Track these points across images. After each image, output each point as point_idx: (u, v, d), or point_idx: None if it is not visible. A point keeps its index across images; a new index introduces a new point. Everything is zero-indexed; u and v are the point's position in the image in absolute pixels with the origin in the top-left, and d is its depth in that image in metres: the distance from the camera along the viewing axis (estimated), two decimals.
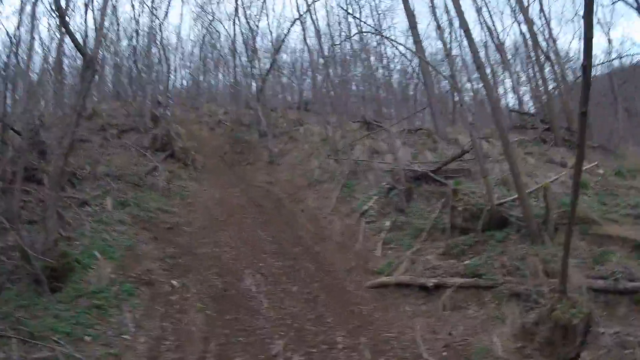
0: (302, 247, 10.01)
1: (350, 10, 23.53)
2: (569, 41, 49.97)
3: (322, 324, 6.93)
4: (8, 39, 12.16)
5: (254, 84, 24.99)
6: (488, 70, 22.48)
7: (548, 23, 18.67)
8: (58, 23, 11.94)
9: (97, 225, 9.33)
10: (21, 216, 8.24)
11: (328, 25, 26.57)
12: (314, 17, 20.69)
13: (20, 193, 8.25)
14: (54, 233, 7.65)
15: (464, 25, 8.78)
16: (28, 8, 12.10)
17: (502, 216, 8.12)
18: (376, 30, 20.21)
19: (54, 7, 11.36)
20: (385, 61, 26.45)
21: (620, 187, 9.52)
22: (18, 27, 12.00)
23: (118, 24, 24.27)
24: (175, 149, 15.87)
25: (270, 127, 19.42)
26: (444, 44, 16.91)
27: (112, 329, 6.14)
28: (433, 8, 16.82)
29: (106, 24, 21.14)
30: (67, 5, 13.45)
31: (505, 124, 8.83)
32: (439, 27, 16.00)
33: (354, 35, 22.01)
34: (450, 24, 20.69)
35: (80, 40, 16.13)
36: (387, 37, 19.94)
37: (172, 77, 28.30)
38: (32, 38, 11.64)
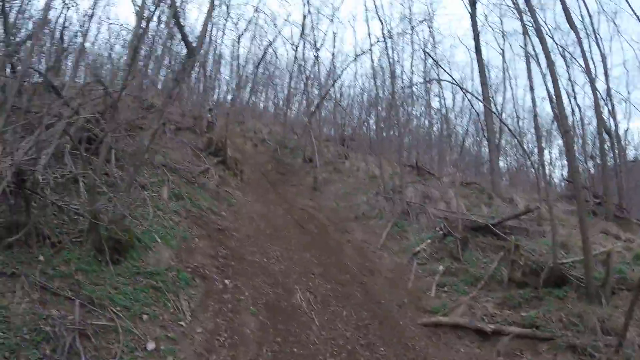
0: (350, 275, 10.06)
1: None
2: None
3: (374, 351, 7.13)
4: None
5: (305, 111, 25.44)
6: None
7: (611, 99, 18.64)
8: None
9: (155, 211, 9.46)
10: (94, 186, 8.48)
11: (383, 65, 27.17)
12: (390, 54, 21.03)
13: (103, 161, 8.52)
14: (124, 207, 7.81)
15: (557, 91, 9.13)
16: None
17: (562, 275, 8.36)
18: (455, 81, 20.43)
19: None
20: (444, 111, 26.68)
21: None
22: None
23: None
24: (227, 157, 16.19)
25: (316, 155, 19.76)
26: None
27: (169, 313, 6.31)
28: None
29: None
30: None
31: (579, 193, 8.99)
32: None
33: (429, 80, 22.20)
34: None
35: None
36: (465, 90, 20.24)
37: (222, 88, 28.80)
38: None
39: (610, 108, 18.38)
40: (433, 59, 20.98)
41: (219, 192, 13.45)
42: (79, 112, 10.08)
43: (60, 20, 17.17)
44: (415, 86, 22.92)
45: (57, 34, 17.79)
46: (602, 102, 17.75)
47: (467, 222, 11.46)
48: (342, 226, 13.74)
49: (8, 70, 9.96)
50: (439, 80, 21.47)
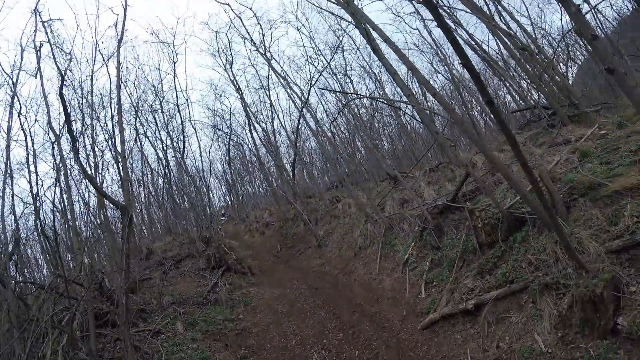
0: (360, 313, 10.38)
1: (342, 81, 25.05)
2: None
3: None
4: (52, 205, 13.43)
5: (287, 180, 26.13)
6: None
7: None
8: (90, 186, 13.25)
9: (172, 348, 9.96)
10: (103, 356, 9.06)
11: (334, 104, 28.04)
12: (310, 105, 21.77)
13: (94, 335, 9.11)
14: None
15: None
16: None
17: (517, 217, 8.13)
18: (361, 95, 20.97)
19: (84, 176, 12.64)
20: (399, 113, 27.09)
21: (622, 139, 8.84)
22: (61, 194, 13.28)
23: (149, 165, 26.22)
24: (230, 262, 16.54)
25: (311, 215, 20.19)
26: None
27: None
28: None
29: (138, 168, 23.11)
30: (96, 167, 14.96)
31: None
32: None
33: (342, 108, 22.91)
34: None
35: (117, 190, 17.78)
36: (370, 97, 20.68)
37: (213, 198, 29.87)
38: (72, 202, 12.78)
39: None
40: (330, 90, 21.84)
41: (233, 299, 13.81)
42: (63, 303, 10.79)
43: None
44: (335, 121, 23.54)
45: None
46: None
47: (434, 208, 11.41)
48: (347, 269, 13.93)
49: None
50: (346, 104, 21.96)
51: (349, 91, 23.94)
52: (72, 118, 13.34)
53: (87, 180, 11.57)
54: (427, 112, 15.12)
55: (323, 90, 25.44)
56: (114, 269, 14.75)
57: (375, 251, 13.15)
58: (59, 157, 12.59)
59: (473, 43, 19.32)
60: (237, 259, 17.51)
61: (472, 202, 9.87)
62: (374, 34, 10.28)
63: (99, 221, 17.63)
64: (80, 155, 11.31)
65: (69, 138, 11.88)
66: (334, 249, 16.50)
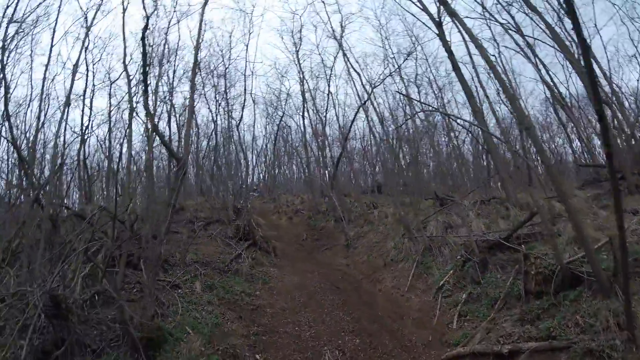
0: (379, 325, 10.20)
1: (409, 89, 24.80)
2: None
3: None
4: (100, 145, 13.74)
5: (327, 173, 26.11)
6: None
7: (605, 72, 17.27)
8: (150, 132, 13.49)
9: (188, 305, 10.07)
10: (122, 295, 9.13)
11: (390, 109, 27.88)
12: (374, 103, 21.61)
13: (123, 274, 9.20)
14: (151, 309, 8.47)
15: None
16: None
17: (574, 275, 7.92)
18: (434, 108, 20.70)
19: (149, 126, 12.86)
20: (453, 134, 26.85)
21: None
22: (108, 131, 13.55)
23: (197, 126, 26.43)
24: (257, 238, 16.59)
25: (345, 213, 20.11)
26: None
27: None
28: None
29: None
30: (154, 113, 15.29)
31: (568, 181, 8.57)
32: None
33: (412, 117, 22.58)
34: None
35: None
36: (444, 113, 20.40)
37: (250, 172, 30.05)
38: (127, 144, 13.04)
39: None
40: (406, 96, 21.52)
41: (253, 274, 13.81)
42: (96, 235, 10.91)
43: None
44: (400, 127, 23.19)
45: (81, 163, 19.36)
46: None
47: (483, 242, 11.23)
48: (374, 277, 13.83)
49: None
50: (414, 115, 21.68)
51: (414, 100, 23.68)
52: (148, 62, 13.58)
53: (151, 127, 11.75)
54: (517, 150, 14.78)
55: (397, 94, 25.26)
56: (148, 215, 14.88)
57: (409, 268, 12.98)
58: (132, 95, 12.87)
59: (550, 82, 19.02)
60: (264, 236, 17.54)
61: (527, 247, 9.62)
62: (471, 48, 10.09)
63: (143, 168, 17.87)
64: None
65: (142, 80, 12.21)
66: (363, 253, 16.39)
